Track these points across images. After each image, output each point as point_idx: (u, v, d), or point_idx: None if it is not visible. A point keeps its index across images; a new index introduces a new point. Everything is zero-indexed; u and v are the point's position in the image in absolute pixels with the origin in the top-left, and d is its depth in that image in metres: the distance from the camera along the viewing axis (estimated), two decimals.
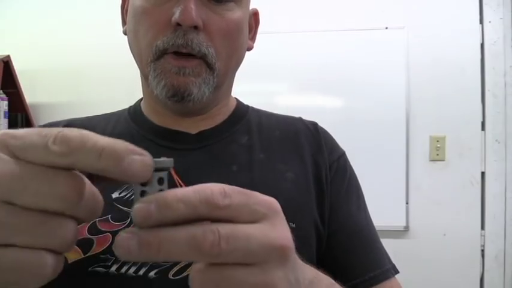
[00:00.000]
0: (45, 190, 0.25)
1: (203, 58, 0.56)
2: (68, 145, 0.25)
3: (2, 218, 0.25)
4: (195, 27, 0.55)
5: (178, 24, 0.54)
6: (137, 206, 0.26)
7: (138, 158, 0.26)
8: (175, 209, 0.26)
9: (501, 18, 2.18)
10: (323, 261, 0.61)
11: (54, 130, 0.25)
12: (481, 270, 2.12)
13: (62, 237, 0.26)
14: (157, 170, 0.27)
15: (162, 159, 0.28)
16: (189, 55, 0.56)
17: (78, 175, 0.26)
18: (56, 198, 0.25)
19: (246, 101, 0.72)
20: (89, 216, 0.27)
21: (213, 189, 0.27)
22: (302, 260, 0.35)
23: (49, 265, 0.26)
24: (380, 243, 0.66)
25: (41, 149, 0.25)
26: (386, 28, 2.21)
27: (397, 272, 0.64)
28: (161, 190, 0.27)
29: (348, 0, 2.28)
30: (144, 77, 0.61)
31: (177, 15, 0.54)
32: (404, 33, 2.19)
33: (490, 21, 2.19)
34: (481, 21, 2.19)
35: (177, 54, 0.56)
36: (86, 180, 0.27)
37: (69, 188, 0.26)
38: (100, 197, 0.28)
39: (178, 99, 0.57)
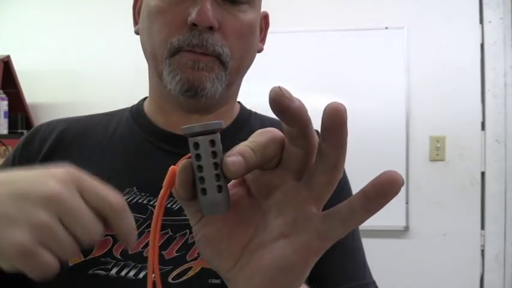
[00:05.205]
0: (85, 225, 0.33)
1: (217, 57, 0.57)
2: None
3: (55, 231, 0.32)
4: (210, 28, 0.55)
5: (194, 25, 0.55)
6: (229, 159, 0.29)
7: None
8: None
9: (501, 18, 2.18)
10: None
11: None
12: (481, 271, 2.12)
13: (75, 252, 0.34)
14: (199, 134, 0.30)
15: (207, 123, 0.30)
16: (203, 54, 0.57)
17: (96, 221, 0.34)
18: (90, 232, 0.33)
19: (244, 101, 0.72)
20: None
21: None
22: None
23: (54, 267, 0.32)
24: (363, 257, 0.64)
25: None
26: (386, 28, 2.21)
27: None
28: (214, 152, 0.30)
29: (348, 0, 2.28)
30: (158, 74, 0.61)
31: (193, 15, 0.54)
32: (404, 33, 2.19)
33: (490, 21, 2.19)
34: (481, 21, 2.19)
35: (192, 52, 0.56)
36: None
37: (94, 226, 0.33)
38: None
39: (192, 94, 0.57)
